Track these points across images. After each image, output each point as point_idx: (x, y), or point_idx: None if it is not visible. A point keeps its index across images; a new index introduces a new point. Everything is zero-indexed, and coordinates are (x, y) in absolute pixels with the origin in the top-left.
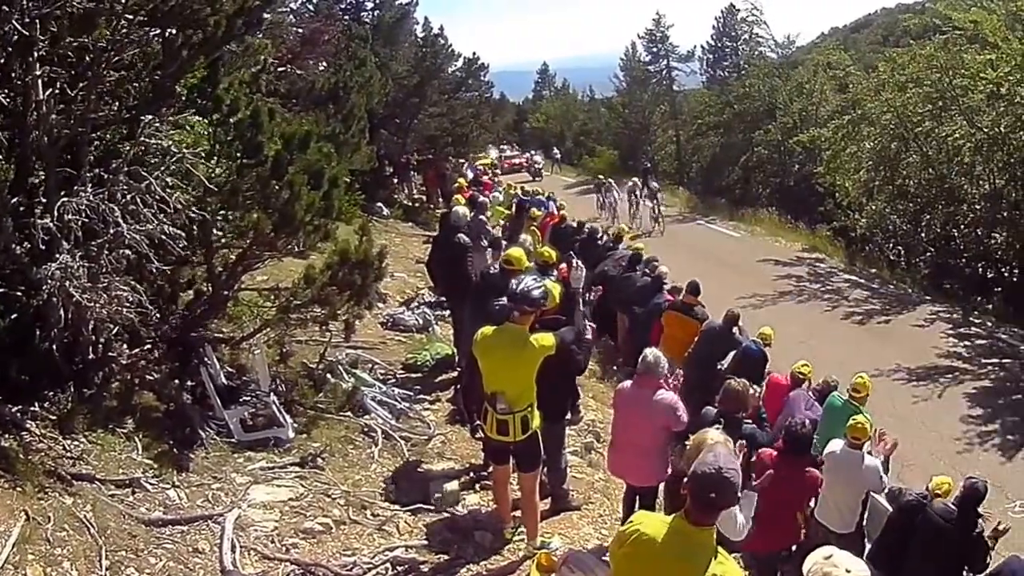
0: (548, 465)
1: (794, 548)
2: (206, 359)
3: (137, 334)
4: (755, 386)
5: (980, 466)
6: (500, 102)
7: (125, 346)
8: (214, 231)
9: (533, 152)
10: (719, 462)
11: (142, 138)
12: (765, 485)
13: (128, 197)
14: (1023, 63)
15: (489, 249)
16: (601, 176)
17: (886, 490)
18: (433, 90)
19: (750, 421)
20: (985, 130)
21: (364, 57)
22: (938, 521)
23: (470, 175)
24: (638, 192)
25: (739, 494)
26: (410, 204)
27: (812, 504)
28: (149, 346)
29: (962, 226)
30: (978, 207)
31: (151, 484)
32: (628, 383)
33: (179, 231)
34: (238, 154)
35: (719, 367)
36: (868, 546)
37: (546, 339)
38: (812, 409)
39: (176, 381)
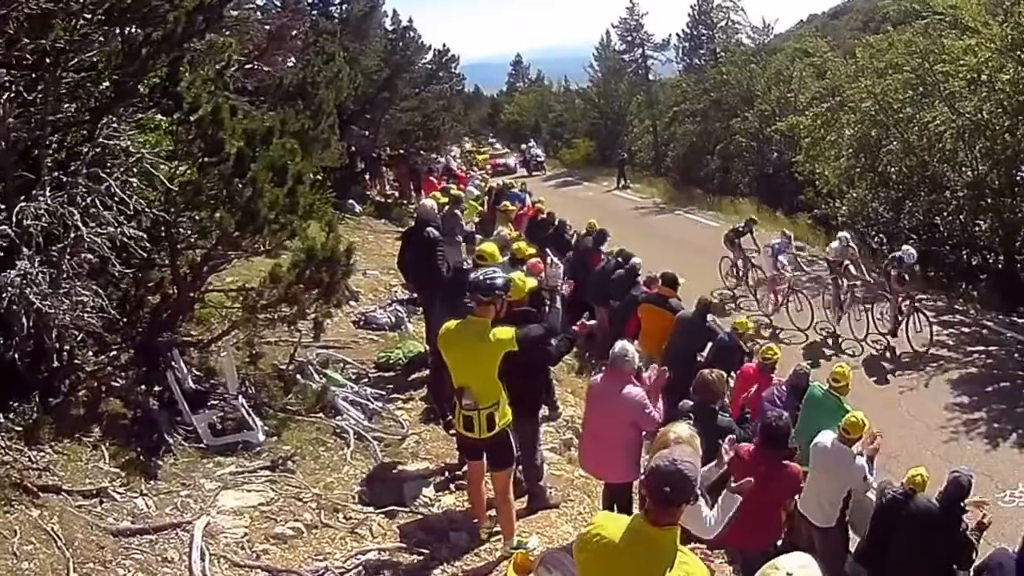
0: (522, 461)
1: (778, 544)
2: (173, 363)
3: (102, 340)
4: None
5: (967, 455)
6: (474, 95)
7: (91, 353)
8: (178, 232)
9: (531, 144)
10: (674, 455)
11: (100, 139)
12: (745, 488)
13: (88, 200)
14: (1004, 48)
15: (463, 244)
16: (753, 217)
17: (872, 488)
18: (404, 84)
19: (728, 414)
20: (967, 116)
21: (333, 52)
22: (921, 517)
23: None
24: (853, 258)
25: (698, 489)
26: (383, 200)
27: (797, 499)
28: (115, 352)
29: (945, 213)
30: (961, 194)
31: (119, 493)
32: (599, 377)
33: (141, 233)
34: (200, 152)
35: (698, 359)
36: (853, 539)
37: (505, 333)
38: (785, 404)
39: (143, 387)
